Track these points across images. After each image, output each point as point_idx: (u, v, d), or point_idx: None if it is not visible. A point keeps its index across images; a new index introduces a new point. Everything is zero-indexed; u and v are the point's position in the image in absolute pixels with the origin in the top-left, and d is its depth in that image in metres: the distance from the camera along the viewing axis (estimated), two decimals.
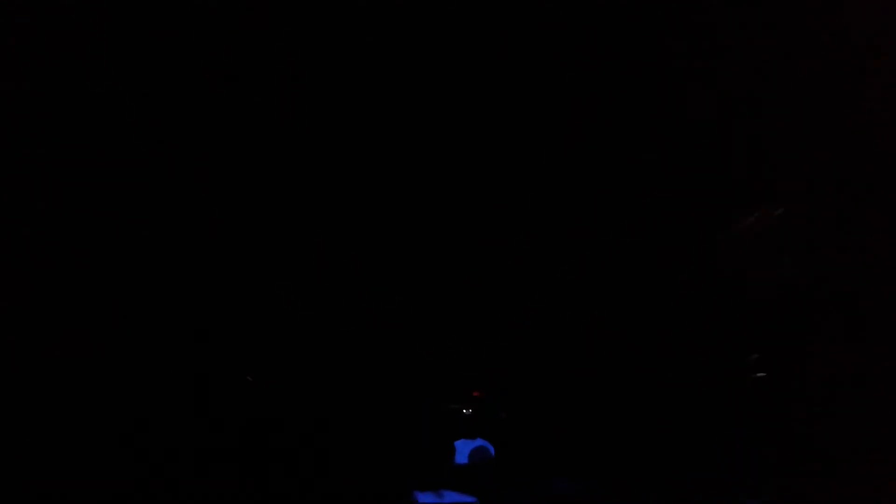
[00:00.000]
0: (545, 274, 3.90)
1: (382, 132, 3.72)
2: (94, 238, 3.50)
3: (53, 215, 3.43)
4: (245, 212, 3.67)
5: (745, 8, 3.35)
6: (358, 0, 3.34)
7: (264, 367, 3.58)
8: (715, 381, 3.63)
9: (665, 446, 3.37)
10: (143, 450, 3.31)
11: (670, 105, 3.76)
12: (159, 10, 3.27)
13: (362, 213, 3.77)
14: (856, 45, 3.46)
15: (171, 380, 3.46)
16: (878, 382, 3.54)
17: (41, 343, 3.36)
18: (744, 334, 3.75)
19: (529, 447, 3.55)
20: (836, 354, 3.65)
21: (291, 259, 3.73)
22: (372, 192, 3.78)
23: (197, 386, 3.48)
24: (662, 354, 3.72)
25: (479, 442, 3.46)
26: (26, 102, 3.33)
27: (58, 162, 3.41)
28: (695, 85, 3.72)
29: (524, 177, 3.85)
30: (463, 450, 3.43)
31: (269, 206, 3.69)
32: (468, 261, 3.86)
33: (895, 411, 3.43)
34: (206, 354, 3.53)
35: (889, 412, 3.44)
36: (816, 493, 3.12)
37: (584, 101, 3.74)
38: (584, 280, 3.89)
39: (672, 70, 3.67)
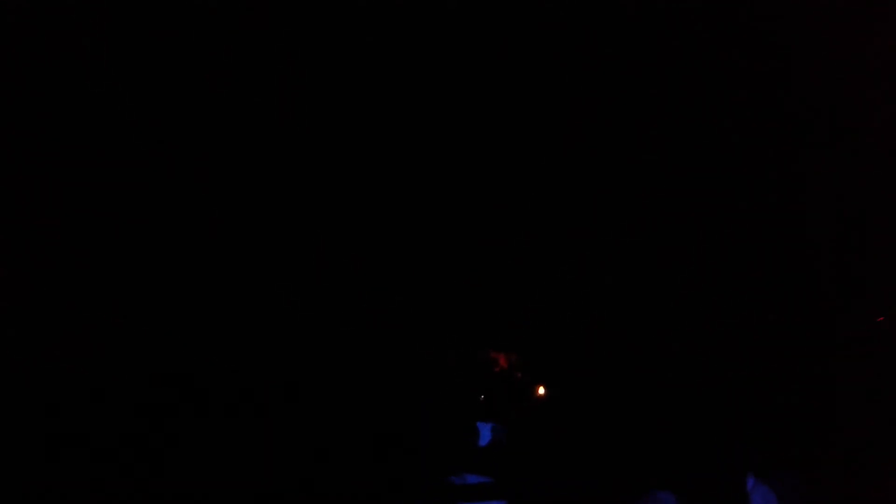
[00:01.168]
0: (545, 274, 3.90)
1: (382, 132, 3.73)
2: (94, 238, 3.50)
3: (53, 215, 3.43)
4: (245, 211, 3.67)
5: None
6: (358, 0, 3.34)
7: (264, 367, 3.59)
8: (714, 380, 3.63)
9: (664, 446, 3.37)
10: (143, 450, 3.32)
11: (670, 105, 3.76)
12: (159, 10, 3.28)
13: (361, 212, 3.78)
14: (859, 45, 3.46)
15: (170, 379, 3.46)
16: (880, 382, 3.54)
17: (41, 343, 3.37)
18: (743, 334, 3.75)
19: (543, 435, 3.56)
20: (837, 354, 3.65)
21: (291, 259, 3.73)
22: (371, 192, 3.78)
23: (198, 385, 3.48)
24: (662, 354, 3.72)
25: (496, 425, 3.47)
26: (26, 102, 3.33)
27: (58, 162, 3.42)
28: (695, 85, 3.72)
29: (524, 177, 3.85)
30: (481, 433, 3.45)
31: (268, 206, 3.70)
32: (468, 260, 3.86)
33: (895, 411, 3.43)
34: (205, 354, 3.54)
35: (889, 412, 3.44)
36: (816, 492, 3.12)
37: (585, 100, 3.74)
38: (585, 280, 3.89)
39: (672, 70, 3.67)
